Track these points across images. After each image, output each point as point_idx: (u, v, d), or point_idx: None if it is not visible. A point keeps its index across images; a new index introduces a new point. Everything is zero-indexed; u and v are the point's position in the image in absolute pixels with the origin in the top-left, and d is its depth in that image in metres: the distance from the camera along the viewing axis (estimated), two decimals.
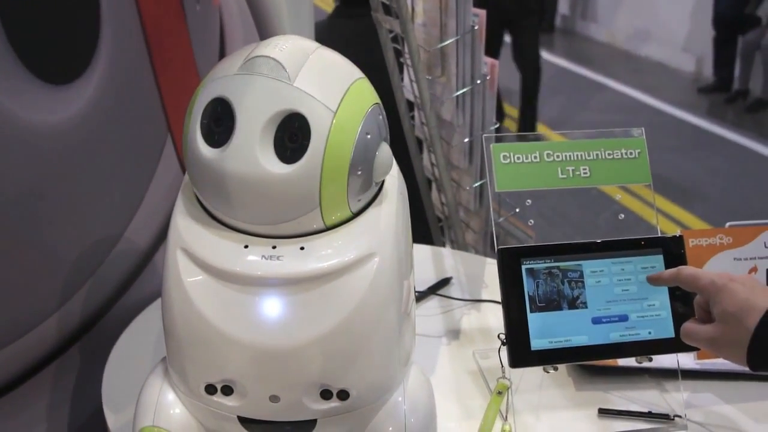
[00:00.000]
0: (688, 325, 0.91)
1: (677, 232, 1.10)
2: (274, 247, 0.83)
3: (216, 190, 0.83)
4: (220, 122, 0.81)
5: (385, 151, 0.86)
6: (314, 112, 0.80)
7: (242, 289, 0.83)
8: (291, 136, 0.80)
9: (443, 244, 1.82)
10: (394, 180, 0.92)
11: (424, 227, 1.82)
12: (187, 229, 0.86)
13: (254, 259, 0.83)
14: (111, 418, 1.04)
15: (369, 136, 0.83)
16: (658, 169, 4.09)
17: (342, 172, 0.81)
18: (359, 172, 0.83)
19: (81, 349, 1.19)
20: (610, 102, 6.00)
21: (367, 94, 0.86)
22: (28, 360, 1.12)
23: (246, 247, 0.84)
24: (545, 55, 7.03)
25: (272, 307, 0.82)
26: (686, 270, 0.92)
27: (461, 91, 1.48)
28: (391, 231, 0.86)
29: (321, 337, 0.82)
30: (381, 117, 0.87)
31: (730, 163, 4.84)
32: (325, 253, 0.83)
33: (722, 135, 5.32)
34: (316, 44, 0.86)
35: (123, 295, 1.26)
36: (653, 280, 0.96)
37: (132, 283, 1.27)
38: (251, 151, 0.79)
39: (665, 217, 4.01)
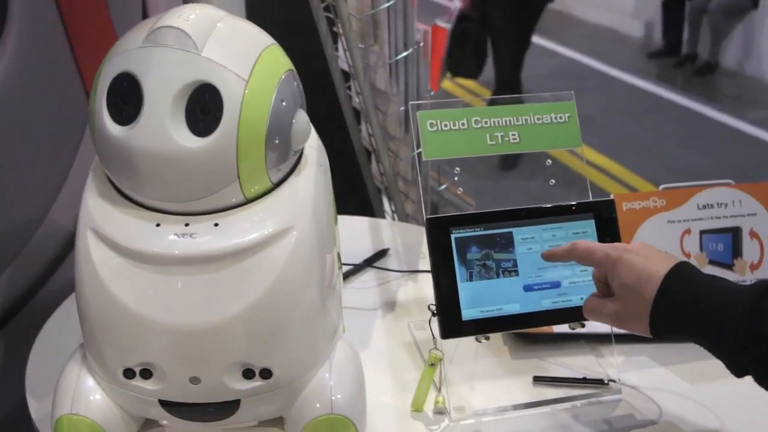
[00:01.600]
0: (591, 302, 0.89)
1: (610, 196, 1.09)
2: (186, 225, 0.80)
3: (126, 169, 0.79)
4: (127, 98, 0.77)
5: (302, 118, 0.84)
6: (225, 81, 0.77)
7: (156, 269, 0.80)
8: (203, 108, 0.77)
9: (384, 215, 1.80)
10: (313, 151, 0.90)
11: (365, 198, 1.80)
12: (97, 209, 0.83)
13: (166, 237, 0.80)
14: (34, 407, 1.00)
15: (284, 104, 0.81)
16: (609, 133, 4.12)
17: (259, 142, 0.79)
18: (276, 141, 0.81)
19: (4, 336, 1.15)
20: (561, 68, 6.02)
21: (280, 61, 0.84)
22: None
23: (158, 225, 0.81)
24: None
25: (187, 286, 0.80)
26: (580, 244, 0.90)
27: (394, 59, 1.45)
28: (309, 203, 0.84)
29: (239, 315, 0.80)
30: (296, 83, 0.85)
31: (679, 127, 4.89)
32: (240, 228, 0.80)
33: (672, 99, 5.37)
34: (224, 12, 0.83)
35: (48, 281, 1.22)
36: (548, 257, 0.94)
37: (57, 268, 1.23)
38: (162, 127, 0.76)
39: (616, 181, 4.04)
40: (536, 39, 6.52)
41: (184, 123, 0.77)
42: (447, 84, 5.26)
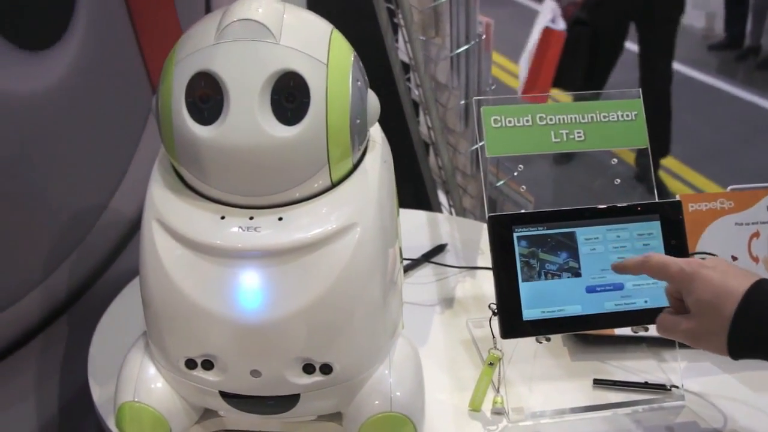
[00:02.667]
0: (664, 319, 0.86)
1: (676, 196, 1.07)
2: (251, 218, 0.81)
3: (214, 168, 0.79)
4: (207, 98, 0.77)
5: (372, 97, 0.85)
6: (308, 67, 0.78)
7: (219, 261, 0.80)
8: (288, 96, 0.77)
9: (441, 209, 1.78)
10: (377, 146, 0.89)
11: (422, 191, 1.79)
12: (162, 200, 0.83)
13: (231, 230, 0.80)
14: (96, 392, 1.02)
15: (359, 83, 0.82)
16: None
17: (344, 124, 0.80)
18: (358, 121, 0.82)
19: (68, 321, 1.17)
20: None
21: (345, 44, 0.84)
22: (15, 332, 1.10)
23: (222, 218, 0.81)
24: None
25: (251, 280, 0.80)
26: (653, 257, 0.86)
27: (456, 52, 1.43)
28: (374, 199, 0.83)
29: (302, 311, 0.80)
30: (360, 64, 0.86)
31: (740, 121, 4.77)
32: (304, 223, 0.80)
33: (732, 93, 5.24)
34: (282, 2, 0.83)
35: (110, 266, 1.24)
36: (618, 269, 0.91)
37: (119, 254, 1.25)
38: (252, 121, 0.76)
39: (673, 177, 3.96)
40: None
41: (272, 114, 0.77)
42: (499, 73, 5.21)
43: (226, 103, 0.76)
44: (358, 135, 0.83)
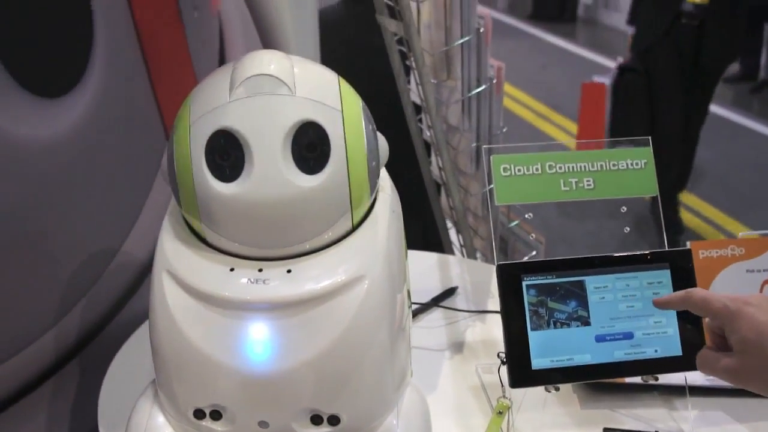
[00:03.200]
0: (705, 355, 0.85)
1: (687, 244, 1.07)
2: (260, 270, 0.81)
3: (237, 223, 0.80)
4: (226, 155, 0.78)
5: (382, 139, 0.87)
6: (325, 116, 0.79)
7: (228, 313, 0.81)
8: (308, 146, 0.79)
9: (452, 249, 1.79)
10: (386, 196, 0.90)
11: (433, 231, 1.79)
12: (172, 251, 0.84)
13: (240, 282, 0.80)
14: None
15: (371, 127, 0.84)
16: None
17: (363, 167, 0.82)
18: (374, 164, 0.84)
19: (79, 364, 1.18)
20: None
21: (352, 91, 0.86)
22: (25, 376, 1.11)
23: (232, 270, 0.81)
24: (567, 45, 6.97)
25: (259, 331, 0.80)
26: (696, 293, 0.86)
27: (467, 95, 1.44)
28: (382, 252, 0.84)
29: (309, 362, 0.80)
30: (367, 109, 0.87)
31: (755, 154, 4.75)
32: (312, 275, 0.81)
33: (747, 125, 5.22)
34: (286, 54, 0.84)
35: (121, 310, 1.25)
36: (661, 305, 0.91)
37: (130, 298, 1.26)
38: (278, 174, 0.77)
39: (690, 212, 3.94)
40: (605, 61, 6.47)
41: (294, 165, 0.78)
42: (508, 103, 5.22)
43: (249, 158, 0.77)
44: (374, 177, 0.85)
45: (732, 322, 0.81)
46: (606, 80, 3.42)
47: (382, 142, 0.87)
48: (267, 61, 0.81)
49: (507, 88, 5.38)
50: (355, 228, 0.85)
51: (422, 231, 1.81)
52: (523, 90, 5.45)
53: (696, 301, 0.86)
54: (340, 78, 0.86)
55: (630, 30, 3.59)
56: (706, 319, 0.88)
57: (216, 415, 0.84)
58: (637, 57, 3.46)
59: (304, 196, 0.78)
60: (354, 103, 0.84)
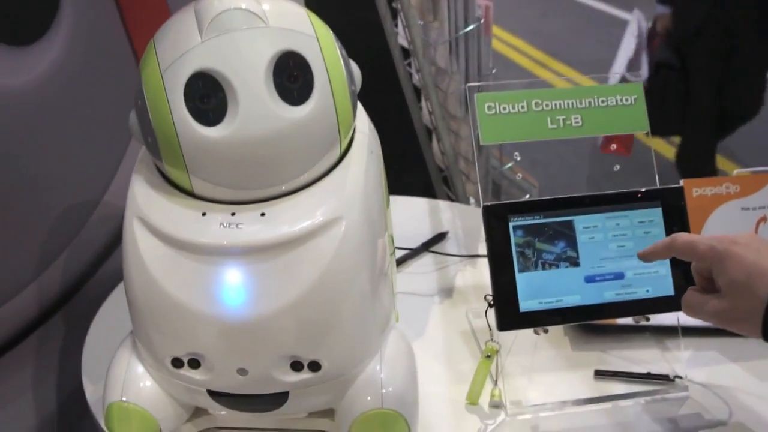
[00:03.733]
0: (691, 297, 0.82)
1: (679, 182, 1.04)
2: (233, 214, 0.79)
3: (227, 167, 0.77)
4: (207, 98, 0.75)
5: (353, 63, 0.85)
6: (304, 44, 0.77)
7: (202, 259, 0.78)
8: (289, 77, 0.76)
9: (445, 195, 1.76)
10: (364, 137, 0.87)
11: (426, 177, 1.76)
12: (143, 198, 0.82)
13: (213, 227, 0.78)
14: (90, 391, 1.01)
15: (344, 52, 0.82)
16: None
17: (345, 93, 0.80)
18: (353, 88, 0.82)
19: (62, 318, 1.16)
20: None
21: (319, 19, 0.84)
22: (9, 331, 1.09)
23: (204, 214, 0.79)
24: None
25: (234, 277, 0.78)
26: (680, 237, 0.82)
27: (454, 36, 1.40)
28: (359, 192, 0.81)
29: (287, 308, 0.78)
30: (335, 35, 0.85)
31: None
32: (287, 217, 0.78)
33: None
34: None
35: (104, 263, 1.23)
36: (645, 256, 0.86)
37: (113, 250, 1.23)
38: (266, 110, 0.75)
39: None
40: (606, 8, 6.37)
41: (280, 99, 0.76)
42: (506, 50, 5.15)
43: (232, 98, 0.74)
44: (354, 101, 0.83)
45: (720, 263, 0.77)
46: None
47: (355, 67, 0.85)
48: None
49: (504, 35, 5.32)
50: (331, 169, 0.82)
51: (418, 178, 1.78)
52: (522, 38, 5.36)
53: (680, 245, 0.81)
54: (305, 8, 0.84)
55: (661, 9, 3.10)
56: (694, 263, 0.84)
57: (194, 363, 0.82)
58: (671, 46, 3.01)
59: (294, 128, 0.76)
60: (325, 30, 0.82)
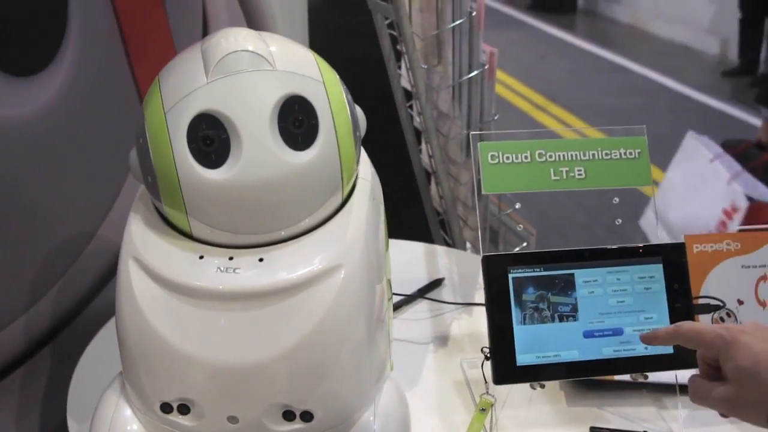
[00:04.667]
0: (697, 384, 0.81)
1: (680, 237, 1.03)
2: (230, 258, 0.77)
3: (226, 210, 0.76)
4: (211, 140, 0.74)
5: (358, 108, 0.85)
6: (310, 89, 0.76)
7: (197, 303, 0.77)
8: (294, 121, 0.75)
9: (441, 239, 1.75)
10: (366, 183, 0.86)
11: (422, 221, 1.75)
12: (140, 238, 0.80)
13: (210, 271, 0.76)
14: (74, 429, 0.99)
15: (350, 97, 0.82)
16: None
17: (350, 138, 0.79)
18: (358, 134, 0.81)
19: (50, 353, 1.14)
20: (632, 85, 5.87)
21: (325, 62, 0.83)
22: None
23: (201, 257, 0.78)
24: (567, 37, 6.93)
25: (229, 322, 0.77)
26: (686, 326, 0.81)
27: (458, 81, 1.40)
28: (360, 240, 0.80)
29: (281, 356, 0.76)
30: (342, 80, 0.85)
31: None
32: (285, 264, 0.77)
33: (746, 119, 5.19)
34: (254, 30, 0.80)
35: (96, 296, 1.21)
36: (649, 340, 0.85)
37: (105, 285, 1.22)
38: (269, 154, 0.74)
39: None
40: (605, 54, 6.43)
41: (284, 143, 0.75)
42: (505, 93, 5.19)
43: (236, 140, 0.73)
44: (358, 147, 0.83)
45: (727, 350, 0.77)
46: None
47: (360, 112, 0.85)
48: (242, 38, 0.77)
49: (505, 78, 5.36)
50: (332, 216, 0.81)
51: (414, 222, 1.77)
52: (521, 81, 5.40)
53: (687, 333, 0.81)
54: (313, 51, 0.83)
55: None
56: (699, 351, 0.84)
57: (184, 409, 0.80)
58: None
59: (297, 173, 0.75)
60: (332, 74, 0.81)
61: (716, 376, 0.79)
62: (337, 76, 0.82)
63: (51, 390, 1.13)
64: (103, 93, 1.17)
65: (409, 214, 1.74)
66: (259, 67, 0.75)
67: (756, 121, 5.10)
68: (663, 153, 4.25)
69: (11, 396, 1.09)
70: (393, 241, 1.01)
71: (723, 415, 0.80)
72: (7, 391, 1.09)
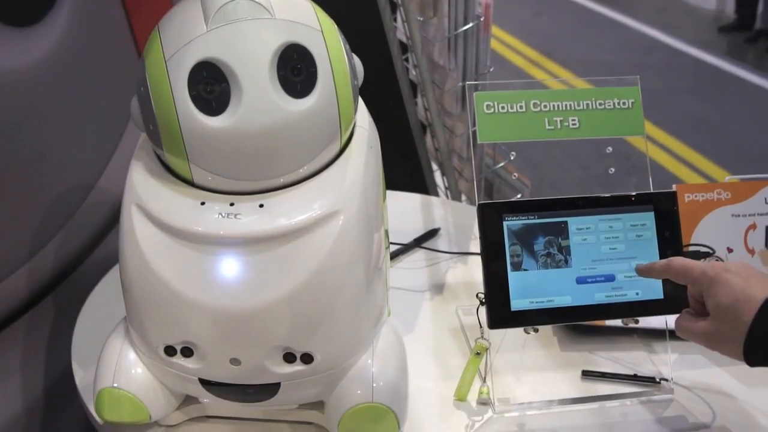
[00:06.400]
0: (683, 321, 0.86)
1: (672, 187, 1.05)
2: (231, 204, 0.79)
3: (227, 156, 0.77)
4: (211, 87, 0.75)
5: (356, 57, 0.86)
6: (308, 37, 0.77)
7: (199, 248, 0.79)
8: (293, 69, 0.76)
9: (437, 191, 1.76)
10: (364, 132, 0.87)
11: (418, 172, 1.76)
12: (142, 185, 0.82)
13: (211, 217, 0.78)
14: (79, 376, 1.01)
15: (347, 46, 0.82)
16: (674, 111, 3.96)
17: (348, 86, 0.80)
18: (355, 82, 0.82)
19: (53, 301, 1.16)
20: (628, 41, 5.85)
21: (324, 12, 0.84)
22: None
23: (203, 204, 0.79)
24: None
25: (230, 267, 0.78)
26: (676, 261, 0.86)
27: (453, 33, 1.40)
28: (358, 187, 0.82)
29: (282, 299, 0.78)
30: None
31: (747, 105, 4.72)
32: (285, 209, 0.79)
33: (741, 76, 5.18)
34: None
35: (97, 246, 1.22)
36: (643, 272, 0.91)
37: (107, 234, 1.23)
38: (269, 101, 0.75)
39: (679, 160, 3.93)
40: (602, 10, 6.39)
41: (283, 91, 0.76)
42: (501, 48, 5.16)
43: (236, 87, 0.74)
44: (357, 97, 0.84)
45: (710, 287, 0.81)
46: None
47: (357, 61, 0.86)
48: None
49: (500, 33, 5.32)
50: (330, 163, 0.83)
51: (410, 173, 1.79)
52: (517, 36, 5.38)
53: (676, 268, 0.86)
54: (311, 1, 0.84)
55: None
56: (689, 287, 0.87)
57: (187, 352, 0.83)
58: None
59: (296, 120, 0.76)
60: (330, 23, 0.82)
61: (703, 311, 0.83)
62: (336, 26, 0.83)
63: (55, 337, 1.15)
64: (100, 44, 1.17)
65: (404, 167, 1.75)
66: (259, 16, 0.76)
67: (751, 77, 5.10)
68: (660, 110, 4.27)
69: (16, 343, 1.11)
70: (390, 192, 1.03)
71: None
72: (11, 339, 1.11)
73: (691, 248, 1.07)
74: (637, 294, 0.95)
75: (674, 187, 1.03)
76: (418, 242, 1.28)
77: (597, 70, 4.87)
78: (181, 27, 0.77)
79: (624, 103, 1.02)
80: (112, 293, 1.14)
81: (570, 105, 1.01)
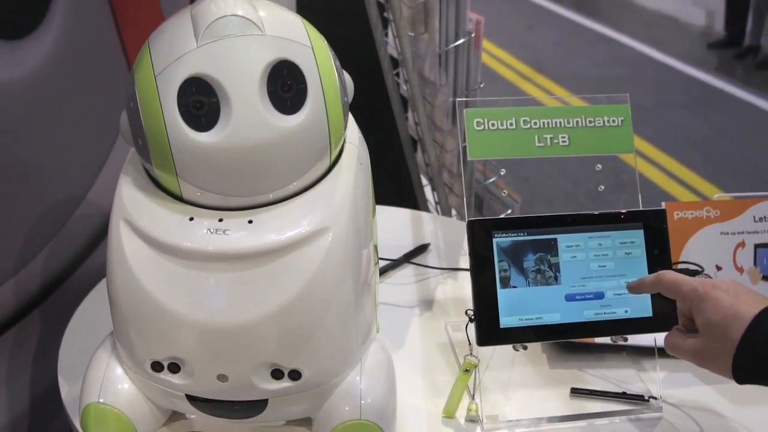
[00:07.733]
0: (672, 338, 0.86)
1: (661, 204, 1.05)
2: (220, 220, 0.78)
3: (216, 173, 0.77)
4: (201, 103, 0.75)
5: (346, 74, 0.86)
6: (299, 54, 0.77)
7: (187, 264, 0.78)
8: (282, 86, 0.76)
9: (427, 206, 1.76)
10: (354, 148, 0.87)
11: (408, 188, 1.76)
12: (130, 200, 0.82)
13: (200, 232, 0.78)
14: (65, 390, 1.00)
15: (338, 62, 0.82)
16: (664, 126, 3.97)
17: (338, 104, 0.80)
18: (345, 99, 0.82)
19: (40, 315, 1.15)
20: (617, 56, 5.89)
21: (313, 28, 0.83)
22: None
23: (191, 219, 0.79)
24: (551, 6, 6.92)
25: (218, 283, 0.78)
26: (667, 275, 0.87)
27: (444, 49, 1.41)
28: (347, 203, 0.81)
29: (270, 316, 0.78)
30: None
31: (736, 121, 4.75)
32: (274, 226, 0.78)
33: (730, 92, 5.21)
34: None
35: (85, 260, 1.22)
36: (634, 288, 0.91)
37: (95, 248, 1.23)
38: (258, 118, 0.75)
39: (668, 175, 3.94)
40: (592, 25, 6.43)
41: (272, 107, 0.76)
42: (492, 62, 5.19)
43: (225, 104, 0.74)
44: (347, 114, 0.84)
45: (699, 304, 0.82)
46: None
47: (348, 78, 0.86)
48: (231, 3, 0.78)
49: (491, 48, 5.35)
50: (320, 179, 0.83)
51: (400, 188, 1.79)
52: (508, 51, 5.40)
53: (666, 283, 0.86)
54: (301, 17, 0.84)
55: None
56: (679, 303, 0.88)
57: (174, 368, 0.82)
58: None
59: (285, 137, 0.76)
60: (320, 39, 0.82)
61: (692, 328, 0.83)
62: (326, 42, 0.83)
63: (41, 351, 1.14)
64: (91, 57, 1.17)
65: (394, 182, 1.75)
66: (249, 32, 0.76)
67: (740, 93, 5.13)
68: (649, 125, 4.29)
69: (2, 357, 1.10)
70: (379, 207, 1.03)
71: None
72: None
73: (680, 266, 1.08)
74: (626, 312, 0.95)
75: (663, 205, 1.03)
76: (408, 258, 1.28)
77: (587, 84, 4.90)
78: (172, 42, 0.77)
79: (614, 121, 1.03)
80: (99, 307, 1.13)
81: (560, 122, 1.01)
